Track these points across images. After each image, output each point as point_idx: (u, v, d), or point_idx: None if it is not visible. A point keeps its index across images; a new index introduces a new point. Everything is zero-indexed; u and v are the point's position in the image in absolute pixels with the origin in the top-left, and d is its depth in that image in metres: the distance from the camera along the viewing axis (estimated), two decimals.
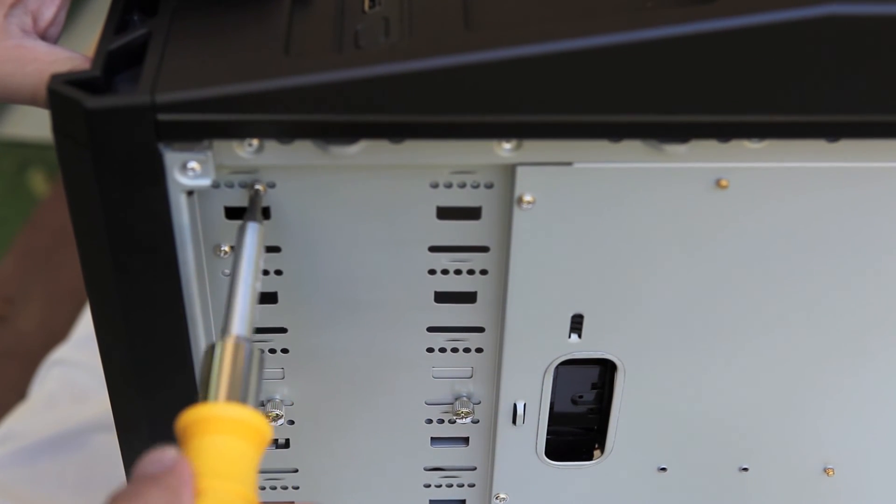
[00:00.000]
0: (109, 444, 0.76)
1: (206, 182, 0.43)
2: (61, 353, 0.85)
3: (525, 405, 0.53)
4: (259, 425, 0.39)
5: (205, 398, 0.39)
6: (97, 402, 0.79)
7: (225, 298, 0.42)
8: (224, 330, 0.41)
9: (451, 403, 0.54)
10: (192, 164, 0.43)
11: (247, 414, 0.39)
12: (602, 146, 0.44)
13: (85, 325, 0.89)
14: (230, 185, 0.46)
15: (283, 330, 0.51)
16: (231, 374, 0.40)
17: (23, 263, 1.22)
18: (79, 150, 0.42)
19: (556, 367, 0.52)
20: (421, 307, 0.50)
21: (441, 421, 0.55)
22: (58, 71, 0.43)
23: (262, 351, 0.42)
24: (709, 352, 0.52)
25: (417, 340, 0.51)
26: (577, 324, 0.51)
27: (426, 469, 0.57)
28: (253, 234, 0.44)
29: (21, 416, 0.81)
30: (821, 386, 0.54)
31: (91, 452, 0.77)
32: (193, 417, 0.38)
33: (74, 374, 0.82)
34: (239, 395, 0.40)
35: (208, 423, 0.38)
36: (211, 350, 0.41)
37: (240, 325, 0.41)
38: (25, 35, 0.46)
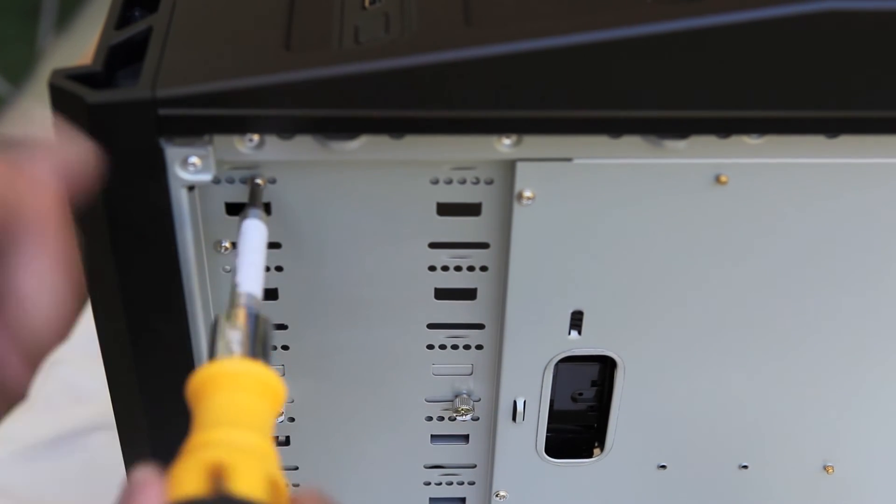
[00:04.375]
0: (109, 444, 0.75)
1: (206, 177, 0.43)
2: (61, 353, 0.85)
3: (525, 402, 0.54)
4: (274, 383, 0.38)
5: (214, 358, 0.39)
6: (97, 402, 0.79)
7: (231, 278, 0.42)
8: (232, 301, 0.41)
9: (451, 401, 0.54)
10: (193, 160, 0.43)
11: (262, 371, 0.38)
12: (602, 142, 0.44)
13: (85, 325, 0.88)
14: (231, 181, 0.46)
15: (283, 327, 0.51)
16: (244, 334, 0.39)
17: None
18: None
19: (556, 365, 0.52)
20: (421, 304, 0.50)
21: (441, 418, 0.55)
22: None
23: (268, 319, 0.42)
24: (709, 349, 0.52)
25: (417, 337, 0.52)
26: (577, 320, 0.51)
27: (426, 467, 0.57)
28: (255, 216, 0.44)
29: (21, 416, 0.81)
30: (820, 383, 0.54)
31: (91, 452, 0.77)
32: (207, 374, 0.37)
33: (74, 374, 0.82)
34: (250, 354, 0.39)
35: (224, 380, 0.37)
36: (220, 316, 0.40)
37: (248, 296, 0.41)
38: None
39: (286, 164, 0.45)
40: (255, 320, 0.40)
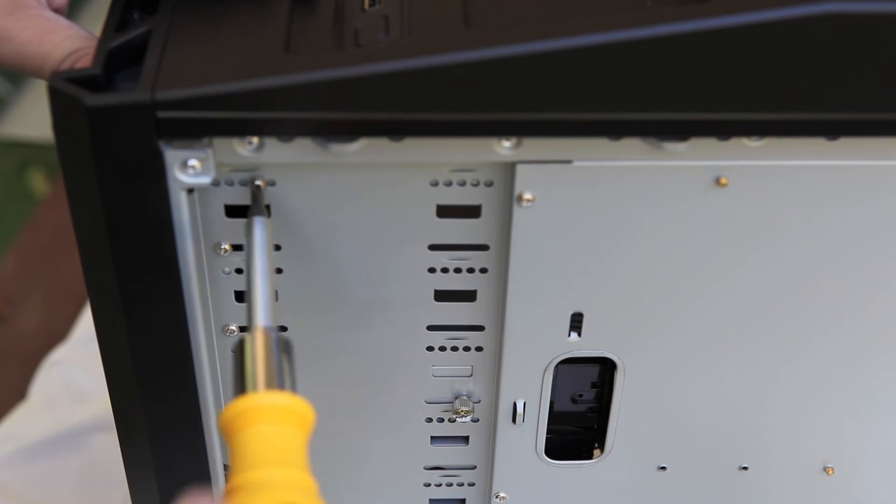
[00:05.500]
0: (109, 444, 0.76)
1: (206, 180, 0.43)
2: (61, 353, 0.85)
3: (525, 404, 0.54)
4: (302, 409, 0.39)
5: (242, 391, 0.39)
6: (97, 402, 0.79)
7: (245, 291, 0.43)
8: (250, 323, 0.41)
9: (451, 402, 0.54)
10: (193, 162, 0.43)
11: (289, 400, 0.39)
12: (602, 144, 0.44)
13: (85, 325, 0.89)
14: (230, 184, 0.46)
15: (283, 329, 0.51)
16: (266, 363, 0.40)
17: (23, 263, 1.22)
18: (79, 147, 0.42)
19: (556, 366, 0.52)
20: (421, 306, 0.50)
21: (441, 420, 0.55)
22: (74, 47, 0.43)
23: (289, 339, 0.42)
24: (708, 350, 0.52)
25: (417, 339, 0.51)
26: (576, 322, 0.51)
27: (426, 468, 0.57)
28: (261, 226, 0.44)
29: (21, 416, 0.81)
30: (820, 384, 0.54)
31: (91, 452, 0.77)
32: (236, 411, 0.38)
33: (74, 374, 0.82)
34: (276, 383, 0.40)
35: (252, 414, 0.38)
36: (241, 344, 0.41)
37: (264, 316, 0.41)
38: (45, 8, 0.47)
39: (286, 167, 0.45)
40: (279, 346, 0.41)
